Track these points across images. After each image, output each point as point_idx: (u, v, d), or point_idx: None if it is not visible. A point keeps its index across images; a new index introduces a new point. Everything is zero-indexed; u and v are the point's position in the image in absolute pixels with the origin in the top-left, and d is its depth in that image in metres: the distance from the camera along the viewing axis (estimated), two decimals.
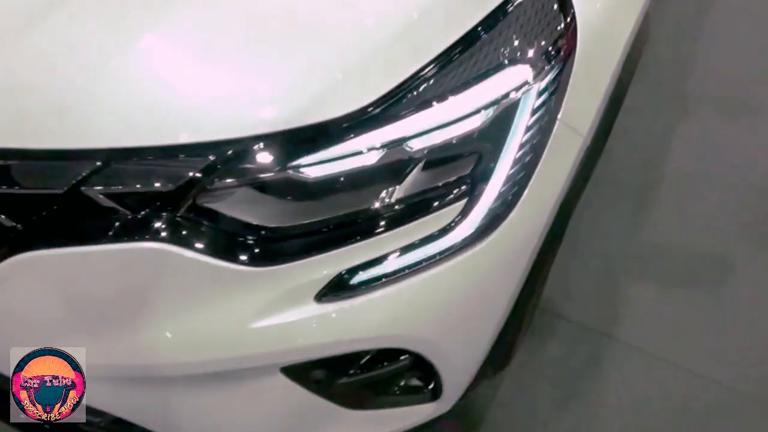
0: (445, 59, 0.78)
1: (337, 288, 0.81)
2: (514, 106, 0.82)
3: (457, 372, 1.01)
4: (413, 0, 0.80)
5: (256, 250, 0.77)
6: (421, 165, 0.80)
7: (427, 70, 0.77)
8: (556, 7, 0.87)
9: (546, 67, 0.84)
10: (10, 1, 0.79)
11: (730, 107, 2.40)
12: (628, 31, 0.99)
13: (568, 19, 0.88)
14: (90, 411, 0.92)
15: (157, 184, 0.73)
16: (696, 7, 2.98)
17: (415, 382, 1.05)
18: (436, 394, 1.04)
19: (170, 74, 0.74)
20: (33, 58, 0.74)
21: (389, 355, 0.96)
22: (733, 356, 1.62)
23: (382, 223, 0.80)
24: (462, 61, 0.79)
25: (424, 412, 1.06)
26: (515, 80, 0.81)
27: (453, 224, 0.83)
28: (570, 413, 1.50)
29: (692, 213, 1.98)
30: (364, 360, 0.96)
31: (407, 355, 0.96)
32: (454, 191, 0.82)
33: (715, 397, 1.53)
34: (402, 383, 1.03)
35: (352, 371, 0.95)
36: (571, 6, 0.88)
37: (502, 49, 0.81)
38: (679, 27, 2.85)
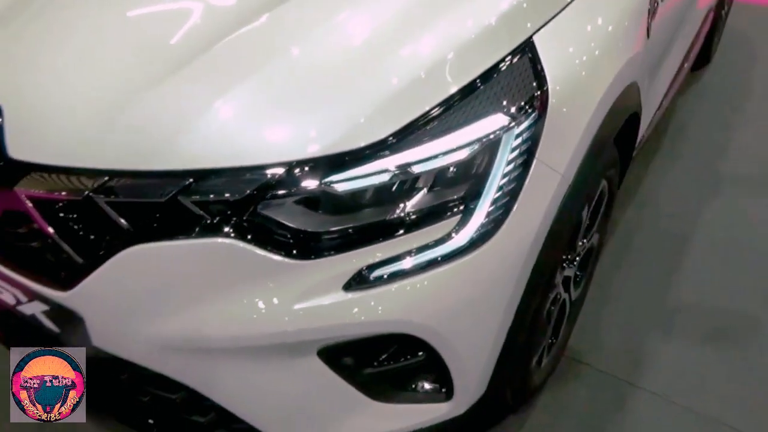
0: (442, 107, 1.06)
1: (360, 280, 1.05)
2: (496, 143, 1.07)
3: (465, 370, 1.20)
4: (419, 63, 1.09)
5: (298, 247, 1.03)
6: (426, 186, 1.06)
7: (427, 115, 1.05)
8: (531, 75, 1.14)
9: (522, 117, 1.10)
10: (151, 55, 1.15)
11: (759, 185, 2.55)
12: (600, 94, 1.24)
13: (543, 86, 1.14)
14: (169, 385, 1.17)
15: (229, 196, 1.02)
16: (729, 101, 3.19)
17: (431, 384, 1.24)
18: (449, 394, 1.23)
19: (242, 119, 1.05)
20: (157, 104, 1.07)
21: (407, 351, 1.17)
22: (757, 406, 1.69)
23: (395, 230, 1.05)
24: (455, 108, 1.06)
25: (440, 411, 1.25)
26: (497, 124, 1.07)
27: (450, 235, 1.07)
28: None
29: (719, 277, 2.11)
30: (386, 355, 1.18)
31: (422, 353, 1.17)
32: (451, 208, 1.07)
33: None
34: (419, 380, 1.23)
35: (375, 363, 1.17)
36: (545, 74, 1.15)
37: (487, 102, 1.08)
38: (713, 117, 3.06)
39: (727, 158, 2.74)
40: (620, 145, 1.57)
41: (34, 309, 1.22)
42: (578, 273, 1.71)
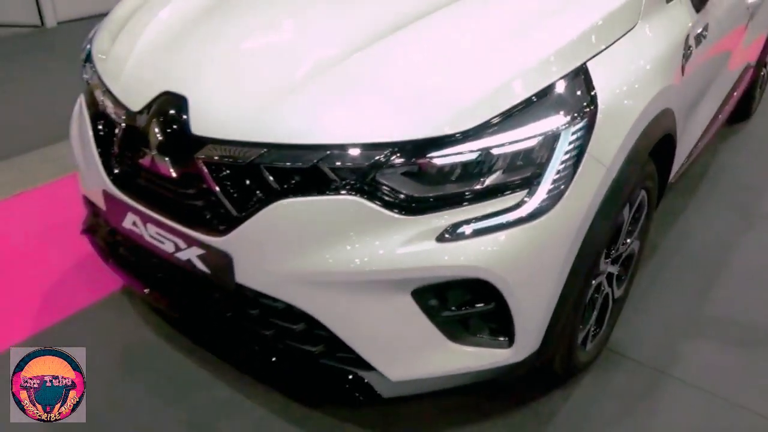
0: (516, 108, 1.40)
1: (449, 234, 1.38)
2: (556, 137, 1.41)
3: (525, 320, 1.49)
4: (492, 81, 1.44)
5: (403, 206, 1.38)
6: (503, 165, 1.40)
7: (504, 114, 1.40)
8: (585, 89, 1.49)
9: (578, 120, 1.44)
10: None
11: None
12: (638, 111, 1.57)
13: (594, 98, 1.48)
14: (293, 316, 1.50)
15: (356, 165, 1.38)
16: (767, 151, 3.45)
17: (495, 333, 1.54)
18: (510, 342, 1.53)
19: (367, 110, 1.43)
20: (303, 97, 1.46)
21: (478, 300, 1.49)
22: None
23: (477, 198, 1.39)
24: (527, 110, 1.41)
25: (502, 356, 1.54)
26: (558, 122, 1.41)
27: (518, 205, 1.40)
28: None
29: (748, 297, 2.35)
30: (460, 302, 1.49)
31: (491, 303, 1.48)
32: (521, 184, 1.40)
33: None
34: (486, 327, 1.53)
35: (453, 307, 1.49)
36: (595, 89, 1.49)
37: (551, 107, 1.43)
38: (751, 163, 3.32)
39: (762, 199, 3.00)
40: (658, 162, 1.88)
41: (190, 254, 1.59)
42: (621, 274, 2.00)
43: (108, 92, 1.74)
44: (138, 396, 1.88)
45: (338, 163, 1.39)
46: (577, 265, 1.53)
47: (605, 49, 1.59)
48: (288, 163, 1.42)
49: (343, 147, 1.39)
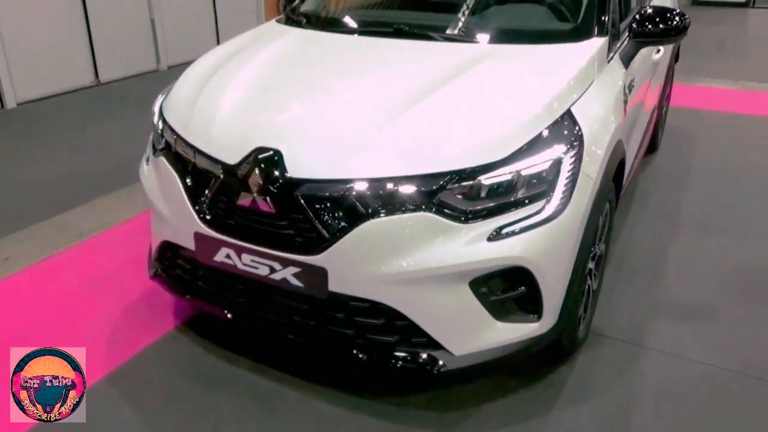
0: (532, 142, 1.96)
1: (496, 234, 1.89)
2: (561, 160, 1.97)
3: (550, 297, 2.00)
4: (515, 123, 2.00)
5: (461, 217, 1.88)
6: (528, 182, 1.93)
7: (524, 145, 1.95)
8: (572, 126, 2.07)
9: (571, 148, 2.01)
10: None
11: (703, 228, 3.52)
12: (606, 141, 2.18)
13: (580, 133, 2.07)
14: (375, 313, 1.94)
15: (426, 189, 1.87)
16: (676, 174, 4.22)
17: (527, 310, 2.04)
18: (539, 316, 2.03)
19: (430, 149, 1.93)
20: (376, 143, 1.95)
21: (515, 287, 1.99)
22: (728, 354, 2.52)
23: (513, 206, 1.91)
24: (539, 143, 1.96)
25: (532, 328, 2.04)
26: (559, 151, 1.97)
27: (540, 210, 1.93)
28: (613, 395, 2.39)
29: (686, 284, 2.98)
30: (502, 289, 1.99)
31: (524, 287, 1.98)
32: (540, 195, 1.94)
33: (712, 379, 2.42)
34: (520, 306, 2.03)
35: (499, 292, 1.98)
36: (580, 126, 2.07)
37: (554, 140, 1.99)
38: (666, 185, 4.06)
39: (680, 212, 3.73)
40: (614, 181, 2.49)
41: (285, 274, 2.00)
42: (595, 270, 2.56)
43: (198, 151, 2.15)
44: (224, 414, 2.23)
45: (414, 189, 1.88)
46: (579, 256, 2.08)
47: (580, 97, 2.19)
48: (374, 192, 1.89)
49: (418, 177, 1.88)
